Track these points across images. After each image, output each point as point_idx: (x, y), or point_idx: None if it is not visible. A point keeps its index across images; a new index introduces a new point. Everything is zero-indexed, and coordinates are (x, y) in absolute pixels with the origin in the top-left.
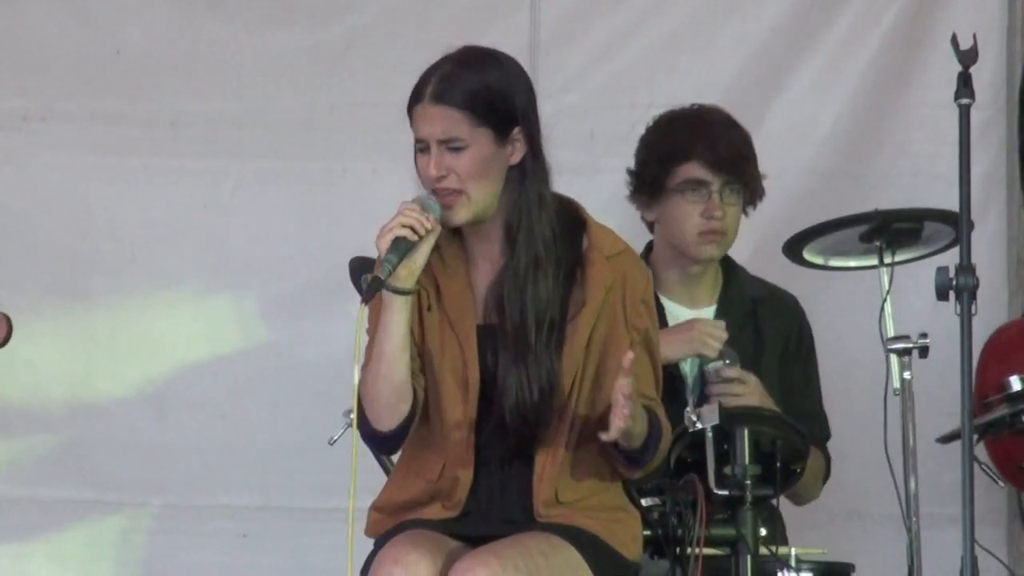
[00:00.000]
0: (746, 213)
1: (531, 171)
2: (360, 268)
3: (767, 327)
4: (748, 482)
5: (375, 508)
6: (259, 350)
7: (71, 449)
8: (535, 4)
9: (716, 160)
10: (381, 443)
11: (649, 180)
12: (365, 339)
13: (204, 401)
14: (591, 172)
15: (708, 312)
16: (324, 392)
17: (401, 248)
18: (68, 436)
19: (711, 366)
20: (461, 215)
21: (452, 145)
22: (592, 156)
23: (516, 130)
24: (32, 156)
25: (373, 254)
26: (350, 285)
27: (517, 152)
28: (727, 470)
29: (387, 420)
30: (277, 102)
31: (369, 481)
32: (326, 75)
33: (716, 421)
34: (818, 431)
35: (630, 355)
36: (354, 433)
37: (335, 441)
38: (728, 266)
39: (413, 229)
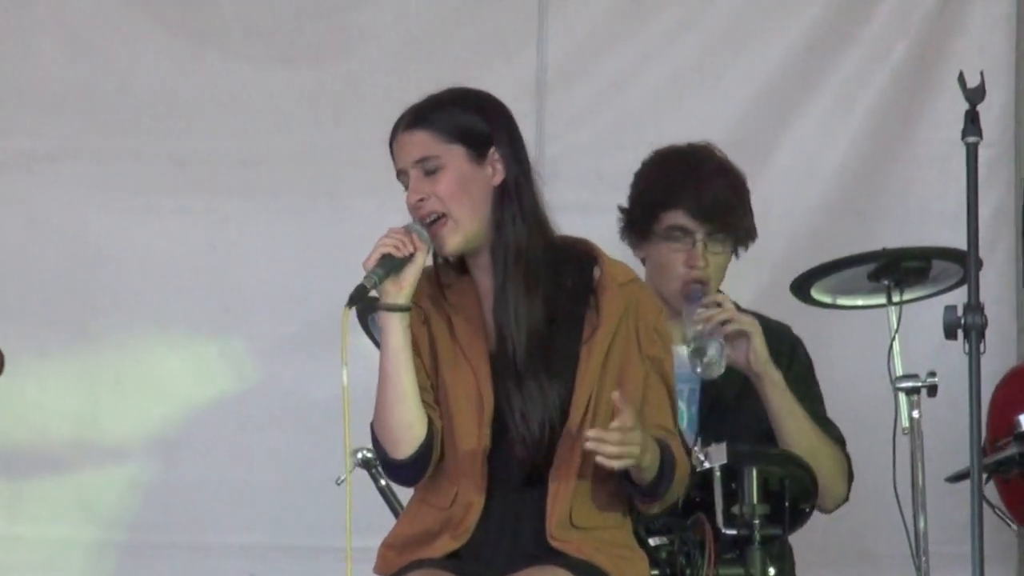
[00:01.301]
0: (736, 255)
1: (513, 193)
2: (363, 308)
3: None
4: (756, 521)
5: (385, 545)
6: (267, 389)
7: (77, 488)
8: (542, 43)
9: (701, 209)
10: (401, 472)
11: (637, 221)
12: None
13: (211, 440)
14: (597, 211)
15: None
16: (331, 431)
17: (387, 264)
18: (74, 475)
19: (686, 308)
20: (451, 242)
21: (427, 165)
22: (598, 195)
23: (492, 150)
24: (38, 195)
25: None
26: (357, 324)
27: (497, 174)
28: (735, 509)
29: (404, 446)
30: (283, 141)
31: (379, 519)
32: (332, 114)
33: (724, 460)
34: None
35: (616, 394)
36: (346, 437)
37: (343, 481)
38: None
39: (397, 248)
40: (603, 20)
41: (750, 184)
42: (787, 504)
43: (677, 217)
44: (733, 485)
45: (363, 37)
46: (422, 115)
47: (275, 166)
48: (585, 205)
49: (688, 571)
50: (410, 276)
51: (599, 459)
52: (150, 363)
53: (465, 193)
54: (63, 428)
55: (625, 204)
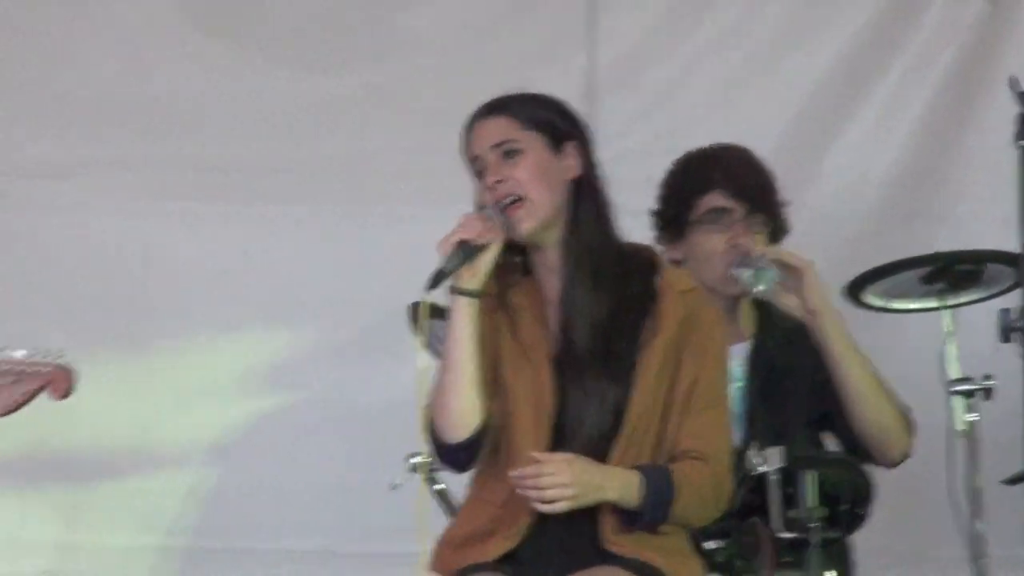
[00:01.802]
0: None
1: (587, 189)
2: (418, 313)
3: (799, 355)
4: (814, 525)
5: (441, 542)
6: (320, 395)
7: (135, 495)
8: (592, 49)
9: (738, 188)
10: (452, 455)
11: (672, 216)
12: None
13: (266, 446)
14: (648, 215)
15: (744, 348)
16: (386, 436)
17: (464, 250)
18: (132, 483)
19: (748, 280)
20: (526, 225)
21: (506, 148)
22: (649, 201)
23: (569, 144)
24: (82, 204)
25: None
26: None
27: (574, 168)
28: (792, 513)
29: (459, 430)
30: (322, 146)
31: (431, 524)
32: (373, 119)
33: (780, 464)
34: None
35: (533, 455)
36: (421, 420)
37: (397, 486)
38: (760, 301)
39: (476, 235)
40: (653, 24)
41: (801, 189)
42: (843, 507)
43: (715, 199)
44: (790, 489)
45: (407, 42)
46: (502, 104)
47: (321, 172)
48: (635, 210)
49: (745, 575)
50: (484, 265)
51: (532, 503)
52: (204, 370)
53: (543, 179)
54: (119, 436)
55: (656, 207)
